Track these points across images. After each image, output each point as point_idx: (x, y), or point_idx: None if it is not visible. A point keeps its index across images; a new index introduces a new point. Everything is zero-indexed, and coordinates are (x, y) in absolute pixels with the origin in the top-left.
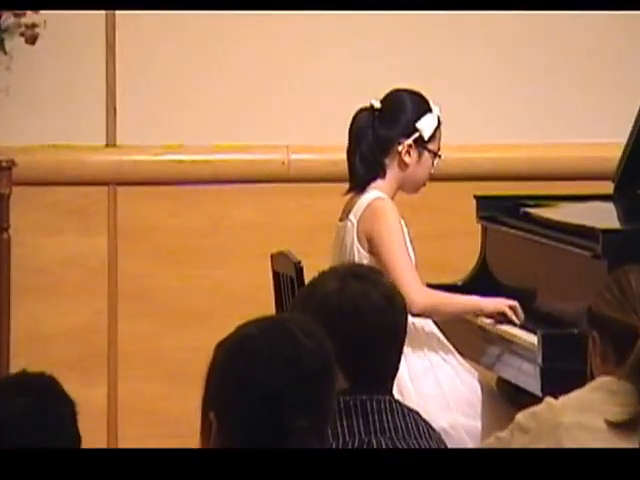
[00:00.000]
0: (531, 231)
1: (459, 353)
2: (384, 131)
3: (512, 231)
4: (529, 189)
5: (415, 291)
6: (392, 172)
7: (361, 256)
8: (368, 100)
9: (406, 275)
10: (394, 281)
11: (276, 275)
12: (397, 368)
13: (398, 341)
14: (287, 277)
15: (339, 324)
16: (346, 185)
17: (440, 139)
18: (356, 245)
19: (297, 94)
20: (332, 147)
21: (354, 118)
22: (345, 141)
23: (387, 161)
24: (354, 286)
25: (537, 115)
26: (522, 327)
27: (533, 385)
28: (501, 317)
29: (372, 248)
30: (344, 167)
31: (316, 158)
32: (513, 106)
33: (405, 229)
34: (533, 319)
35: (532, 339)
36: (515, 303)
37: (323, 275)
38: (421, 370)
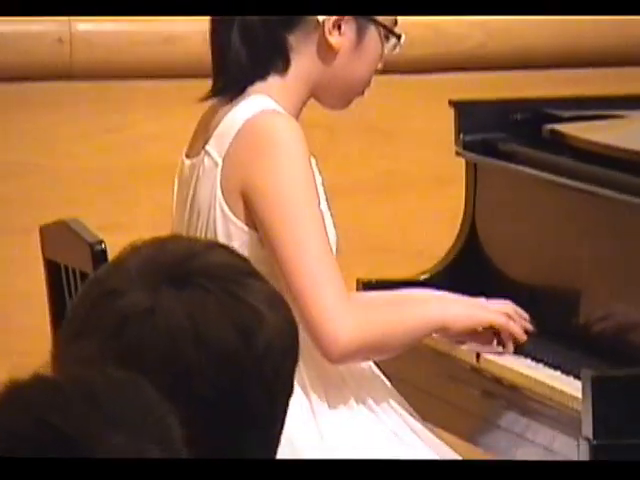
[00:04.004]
0: (564, 169)
1: (422, 419)
2: None
3: (527, 170)
4: (560, 87)
5: (337, 312)
6: (302, 64)
7: (229, 228)
8: None
9: (319, 275)
10: (290, 287)
11: (52, 267)
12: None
13: (264, 414)
14: (75, 272)
15: (147, 373)
16: (195, 85)
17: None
18: (220, 205)
19: None
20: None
21: None
22: None
23: (292, 40)
24: (172, 303)
25: None
26: (549, 364)
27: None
28: (489, 337)
29: (252, 215)
30: (189, 49)
31: (129, 31)
32: None
33: (319, 178)
34: (572, 346)
35: (571, 387)
36: (515, 308)
37: (119, 267)
38: (347, 444)
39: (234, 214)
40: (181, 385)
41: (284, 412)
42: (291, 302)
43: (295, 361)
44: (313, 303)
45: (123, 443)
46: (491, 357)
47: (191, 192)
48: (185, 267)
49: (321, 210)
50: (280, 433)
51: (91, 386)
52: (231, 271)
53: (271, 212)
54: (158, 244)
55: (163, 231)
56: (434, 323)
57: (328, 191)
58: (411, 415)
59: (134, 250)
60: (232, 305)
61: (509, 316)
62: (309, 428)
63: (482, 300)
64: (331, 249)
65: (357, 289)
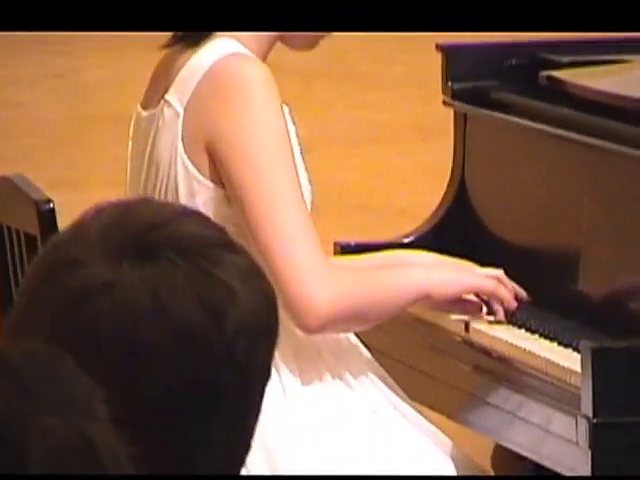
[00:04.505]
0: (563, 119)
1: (405, 395)
2: None
3: (521, 121)
4: (559, 31)
5: (313, 277)
6: None
7: (192, 185)
8: None
9: (294, 236)
10: (261, 249)
11: None
12: (239, 454)
13: (236, 401)
14: (20, 234)
15: (107, 363)
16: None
17: None
18: (182, 159)
19: None
20: None
21: None
22: None
23: None
24: (135, 278)
25: None
26: (546, 335)
27: (573, 460)
28: (478, 305)
29: (217, 169)
30: None
31: None
32: None
33: (292, 128)
34: (571, 315)
35: (569, 360)
36: (501, 273)
37: (79, 234)
38: (321, 423)
39: (197, 169)
40: (142, 369)
41: (260, 398)
42: (262, 266)
43: (273, 342)
44: (286, 267)
45: (60, 425)
46: (481, 327)
47: (149, 146)
48: (152, 237)
49: (295, 164)
50: (255, 422)
51: (12, 362)
52: (203, 243)
53: (239, 165)
54: (124, 208)
55: (119, 189)
56: (418, 291)
57: (302, 143)
58: (393, 390)
59: (97, 214)
60: (201, 281)
61: (499, 279)
62: (279, 409)
63: (470, 264)
64: (307, 207)
65: (334, 252)
